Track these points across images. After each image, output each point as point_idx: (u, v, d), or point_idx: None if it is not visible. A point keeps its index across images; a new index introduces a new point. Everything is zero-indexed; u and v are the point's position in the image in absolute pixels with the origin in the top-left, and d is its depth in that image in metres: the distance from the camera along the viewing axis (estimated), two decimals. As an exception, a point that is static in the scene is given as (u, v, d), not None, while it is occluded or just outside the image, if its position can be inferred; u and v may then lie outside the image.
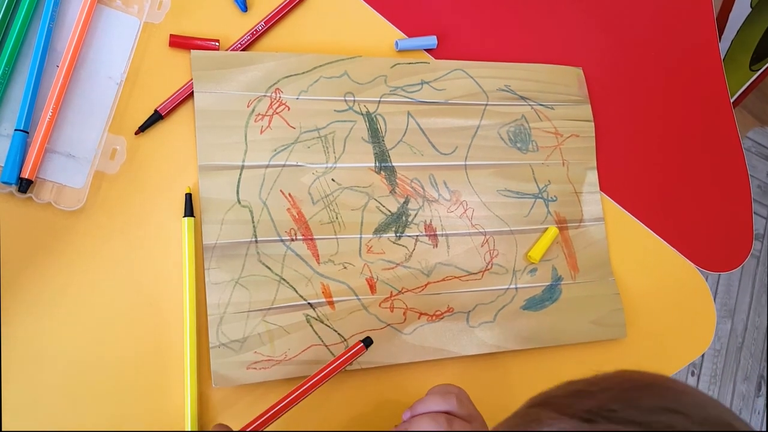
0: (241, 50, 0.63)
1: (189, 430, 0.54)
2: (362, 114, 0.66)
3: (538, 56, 0.75)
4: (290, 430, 0.58)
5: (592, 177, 0.74)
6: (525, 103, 0.72)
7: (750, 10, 1.86)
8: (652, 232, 0.76)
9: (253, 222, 0.60)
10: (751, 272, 1.92)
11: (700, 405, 0.29)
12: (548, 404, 0.31)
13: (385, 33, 0.70)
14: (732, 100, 1.78)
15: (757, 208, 2.01)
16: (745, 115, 2.07)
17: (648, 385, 0.30)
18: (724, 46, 1.91)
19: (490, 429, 0.35)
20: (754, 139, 2.07)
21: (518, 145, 0.71)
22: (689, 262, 0.76)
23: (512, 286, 0.68)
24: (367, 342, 0.56)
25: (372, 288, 0.62)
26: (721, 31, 1.92)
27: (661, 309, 0.74)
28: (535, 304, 0.68)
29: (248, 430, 0.50)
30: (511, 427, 0.33)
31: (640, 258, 0.74)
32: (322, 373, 0.53)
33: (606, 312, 0.70)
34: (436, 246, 0.66)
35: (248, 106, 0.62)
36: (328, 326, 0.60)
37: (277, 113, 0.63)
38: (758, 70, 1.78)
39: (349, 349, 0.55)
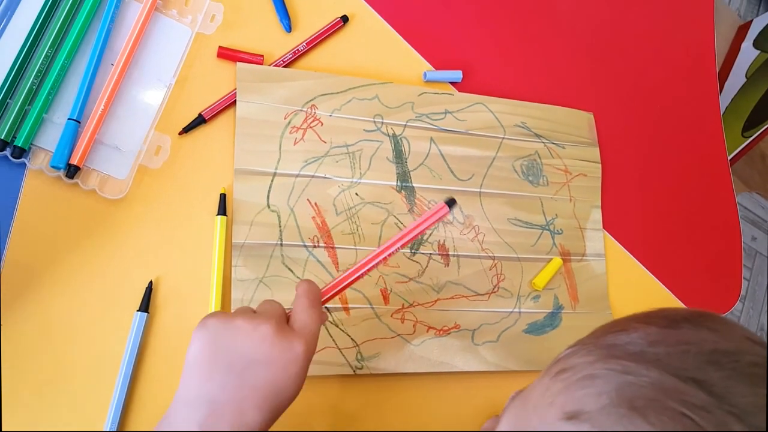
0: (283, 67, 0.68)
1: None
2: (389, 135, 0.70)
3: (554, 98, 0.80)
4: (292, 430, 0.60)
5: (597, 215, 0.79)
6: (539, 140, 0.77)
7: (745, 80, 1.95)
8: (648, 272, 0.80)
9: (280, 226, 0.64)
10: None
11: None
12: (627, 320, 0.37)
13: (415, 64, 0.75)
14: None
15: (740, 270, 2.06)
16: (734, 180, 2.14)
17: (704, 312, 0.37)
18: (718, 112, 1.97)
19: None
20: (741, 203, 2.14)
21: (530, 178, 0.76)
22: (681, 303, 0.80)
23: (516, 309, 0.71)
24: (450, 203, 0.56)
25: (385, 299, 0.66)
26: (716, 98, 1.99)
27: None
28: (536, 328, 0.71)
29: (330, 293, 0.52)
30: (594, 337, 0.37)
31: (636, 295, 0.78)
32: (412, 227, 0.54)
33: (602, 343, 0.74)
34: (448, 265, 0.70)
35: (285, 119, 0.66)
36: (343, 330, 0.63)
37: (311, 127, 0.67)
38: (750, 137, 1.85)
39: (435, 208, 0.56)
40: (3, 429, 0.53)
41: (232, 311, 0.47)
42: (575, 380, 0.33)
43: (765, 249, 2.11)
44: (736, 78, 1.98)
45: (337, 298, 0.64)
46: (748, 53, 1.98)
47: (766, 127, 1.81)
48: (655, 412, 0.29)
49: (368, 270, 0.54)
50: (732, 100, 1.97)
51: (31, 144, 0.57)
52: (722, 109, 1.96)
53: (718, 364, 0.31)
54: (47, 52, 0.59)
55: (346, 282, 0.53)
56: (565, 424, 0.32)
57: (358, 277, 0.53)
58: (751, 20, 2.02)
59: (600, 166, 0.80)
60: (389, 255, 0.54)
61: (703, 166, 0.89)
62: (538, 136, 0.77)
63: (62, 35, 0.60)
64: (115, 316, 0.57)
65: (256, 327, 0.44)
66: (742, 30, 2.03)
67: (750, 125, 1.87)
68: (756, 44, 1.95)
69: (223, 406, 0.42)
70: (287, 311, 0.48)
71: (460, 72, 0.75)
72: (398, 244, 0.54)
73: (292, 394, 0.45)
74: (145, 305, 0.58)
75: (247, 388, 0.43)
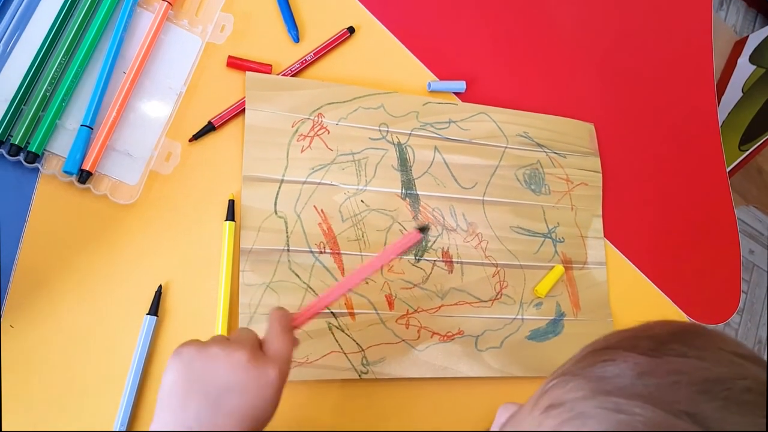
0: (291, 76, 0.69)
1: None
2: (394, 144, 0.71)
3: (556, 109, 0.81)
4: (296, 429, 0.61)
5: (598, 224, 0.80)
6: (541, 150, 0.78)
7: (741, 94, 1.97)
8: (649, 280, 0.81)
9: (287, 232, 0.65)
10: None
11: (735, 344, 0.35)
12: (612, 346, 0.36)
13: (420, 74, 0.76)
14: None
15: (738, 282, 2.07)
16: (731, 193, 2.16)
17: (690, 329, 0.36)
18: (715, 126, 2.00)
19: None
20: (738, 217, 2.16)
21: (532, 187, 0.77)
22: (681, 311, 0.82)
23: (519, 316, 0.72)
24: (424, 228, 0.56)
25: (390, 304, 0.67)
26: (713, 112, 2.02)
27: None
28: (539, 335, 0.72)
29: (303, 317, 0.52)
30: (581, 368, 0.35)
31: (636, 303, 0.79)
32: (382, 255, 0.55)
33: (603, 350, 0.74)
34: (452, 272, 0.71)
35: (293, 127, 0.67)
36: (348, 335, 0.64)
37: (318, 135, 0.68)
38: (747, 150, 1.87)
39: (407, 235, 0.55)
40: (3, 429, 0.53)
41: (207, 339, 0.47)
42: (567, 418, 0.32)
43: (762, 262, 2.12)
44: (733, 92, 2.01)
45: (342, 302, 0.65)
46: (744, 68, 2.01)
47: (762, 141, 1.84)
48: None
49: (339, 296, 0.54)
50: (729, 114, 1.99)
51: (45, 149, 0.58)
52: (719, 124, 1.99)
53: (711, 393, 0.31)
54: (61, 59, 0.60)
55: (318, 307, 0.53)
56: None
57: (329, 303, 0.53)
58: (747, 36, 2.05)
59: (601, 175, 0.82)
60: (360, 282, 0.54)
61: (702, 178, 0.90)
62: (540, 145, 0.79)
63: (76, 43, 0.61)
64: (125, 320, 0.58)
65: (230, 354, 0.45)
66: (739, 45, 2.06)
67: (747, 139, 1.90)
68: (752, 59, 1.98)
69: None
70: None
71: (464, 82, 0.77)
72: (369, 272, 0.54)
73: (268, 417, 0.46)
74: (155, 309, 0.59)
75: (222, 416, 0.43)
